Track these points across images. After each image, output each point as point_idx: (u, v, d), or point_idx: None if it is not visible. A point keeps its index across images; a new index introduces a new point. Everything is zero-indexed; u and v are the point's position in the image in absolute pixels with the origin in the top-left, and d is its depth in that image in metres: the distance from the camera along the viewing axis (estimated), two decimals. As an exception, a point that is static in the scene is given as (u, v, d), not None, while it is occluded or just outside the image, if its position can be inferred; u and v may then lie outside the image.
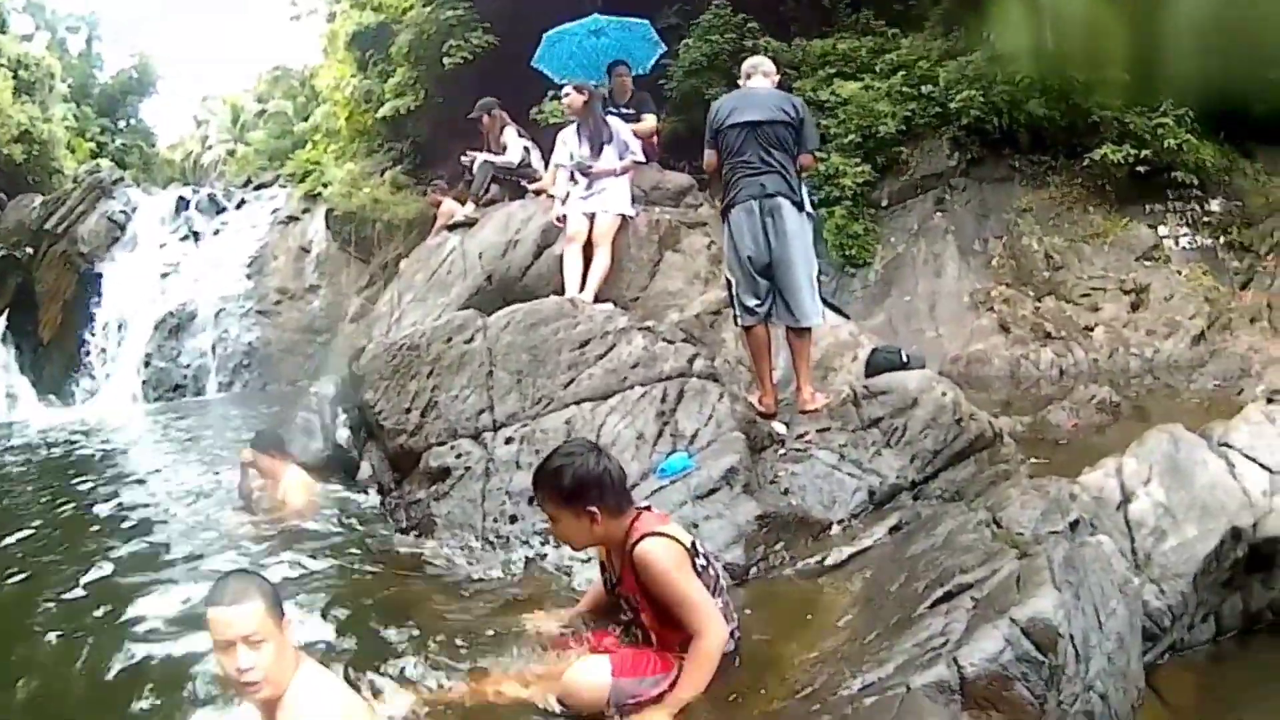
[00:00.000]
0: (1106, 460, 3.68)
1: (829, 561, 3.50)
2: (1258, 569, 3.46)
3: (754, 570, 3.43)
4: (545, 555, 3.59)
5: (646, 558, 2.31)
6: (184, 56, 69.51)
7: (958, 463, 4.13)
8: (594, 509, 2.42)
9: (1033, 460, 4.98)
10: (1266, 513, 3.46)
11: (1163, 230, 9.79)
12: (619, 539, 2.46)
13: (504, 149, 6.95)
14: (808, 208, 4.60)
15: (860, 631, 2.77)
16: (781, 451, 4.15)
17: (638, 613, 2.44)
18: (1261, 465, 3.78)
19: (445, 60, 12.48)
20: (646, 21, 8.46)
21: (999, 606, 2.42)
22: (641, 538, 2.35)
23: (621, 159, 5.76)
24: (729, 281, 4.72)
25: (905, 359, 5.12)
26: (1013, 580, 2.55)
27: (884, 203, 10.47)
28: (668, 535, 2.38)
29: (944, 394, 4.26)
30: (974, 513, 3.32)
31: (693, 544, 2.46)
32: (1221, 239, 9.76)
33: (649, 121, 6.92)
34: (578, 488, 2.43)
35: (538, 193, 6.41)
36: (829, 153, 10.19)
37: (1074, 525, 3.06)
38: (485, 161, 6.90)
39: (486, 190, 6.95)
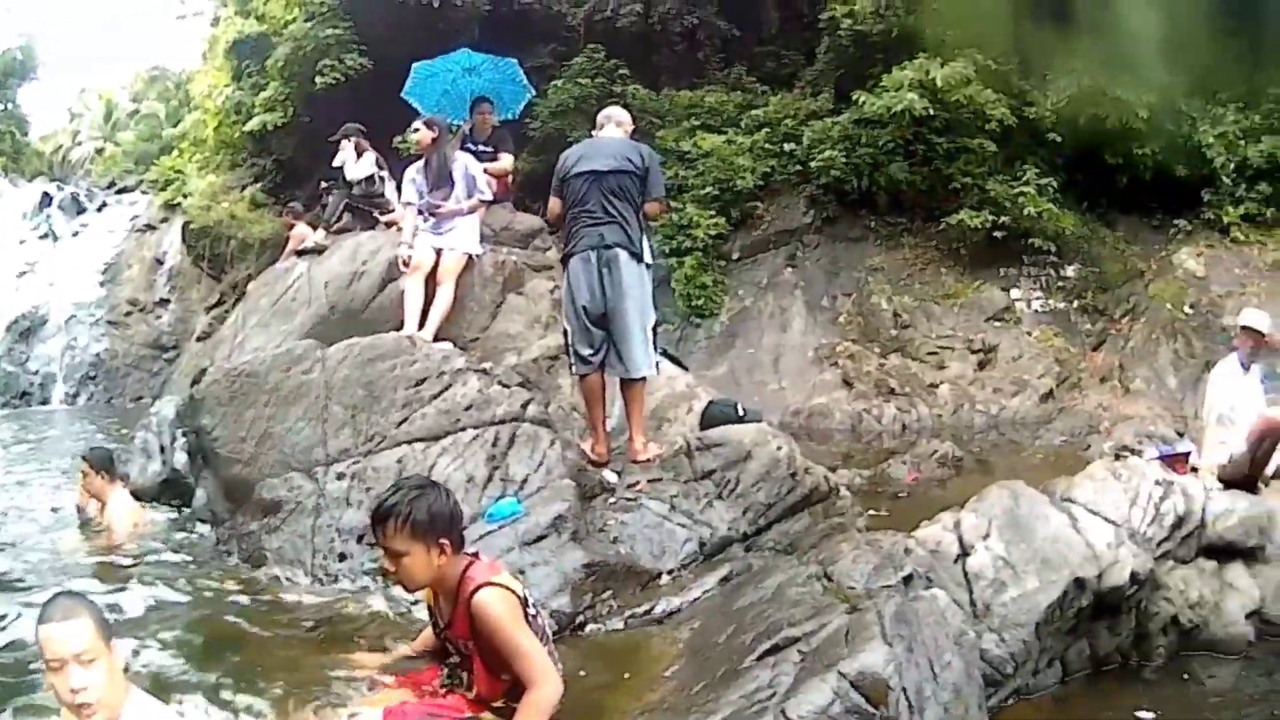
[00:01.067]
0: (944, 514, 4.24)
1: (657, 611, 3.90)
2: (1103, 616, 4.07)
3: (582, 619, 3.79)
4: (373, 593, 3.93)
5: (484, 608, 2.52)
6: (71, 43, 68.21)
7: (792, 515, 4.65)
8: (444, 543, 2.64)
9: (871, 513, 5.67)
10: (1111, 564, 4.01)
11: (1015, 293, 11.50)
12: (453, 582, 2.68)
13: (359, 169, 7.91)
14: (647, 259, 5.16)
15: (688, 683, 3.08)
16: (612, 500, 4.57)
17: (466, 658, 2.66)
18: (1106, 519, 4.36)
19: (318, 79, 13.60)
20: (515, 62, 9.53)
21: (827, 660, 2.76)
22: (479, 587, 2.56)
23: (470, 197, 6.35)
24: (565, 330, 5.27)
25: (741, 412, 5.74)
26: (841, 634, 2.91)
27: (735, 255, 12.00)
28: (503, 585, 2.61)
29: (779, 448, 4.80)
30: (805, 566, 3.75)
31: (524, 594, 2.73)
32: (1075, 303, 11.55)
33: (506, 161, 7.88)
34: (432, 520, 2.63)
35: (389, 224, 7.14)
36: (684, 203, 11.68)
37: (907, 579, 3.50)
38: (339, 191, 7.83)
39: (339, 218, 7.83)
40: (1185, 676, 4.37)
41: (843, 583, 3.52)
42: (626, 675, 3.28)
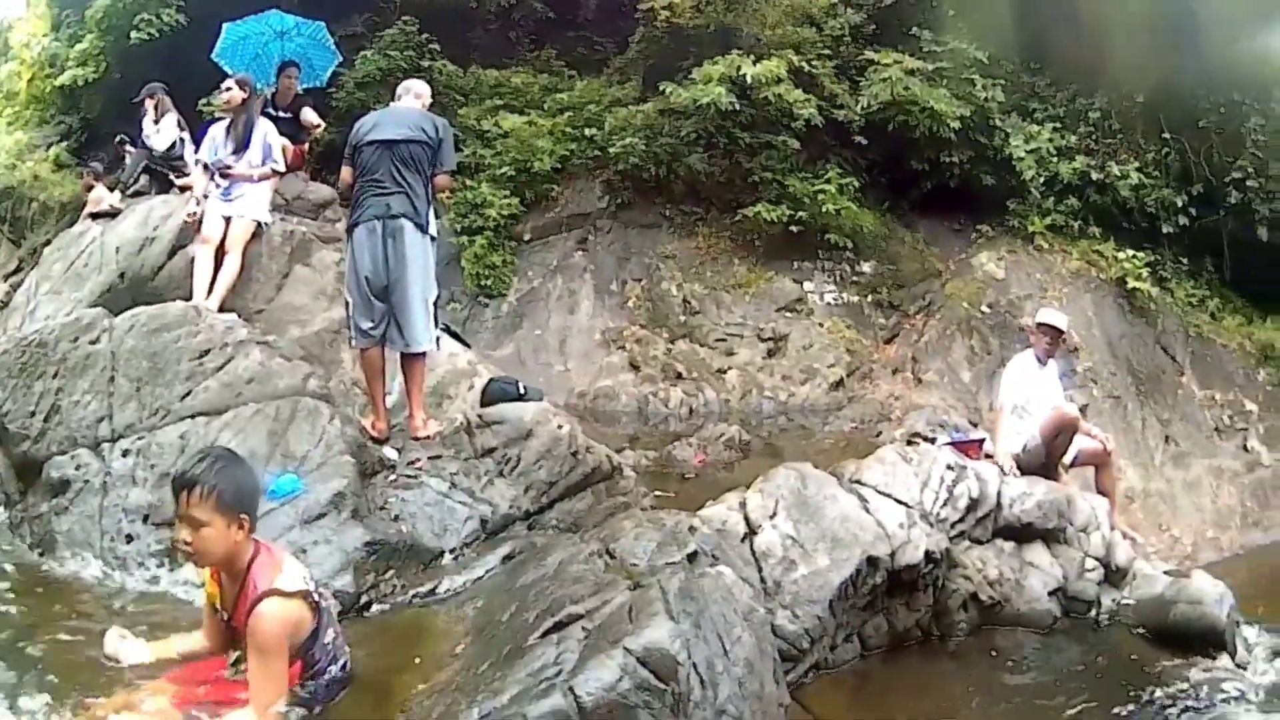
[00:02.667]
0: (729, 494, 5.37)
1: (441, 590, 4.75)
2: (899, 593, 5.23)
3: (366, 599, 4.61)
4: (160, 579, 4.63)
5: (260, 622, 3.11)
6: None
7: (574, 494, 5.79)
8: (244, 518, 3.20)
9: (658, 493, 7.07)
10: (904, 543, 5.17)
11: (809, 285, 14.82)
12: (241, 566, 3.25)
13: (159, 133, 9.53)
14: (432, 231, 6.41)
15: (474, 661, 3.70)
16: (392, 478, 5.54)
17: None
18: (897, 500, 5.59)
19: (133, 34, 15.86)
20: (323, 25, 11.75)
21: (612, 637, 3.43)
22: (265, 595, 3.13)
23: (263, 164, 8.00)
24: (347, 302, 6.49)
25: (522, 390, 7.08)
26: (625, 611, 3.61)
27: (526, 237, 14.83)
28: (287, 594, 3.20)
29: (560, 426, 5.93)
30: (587, 544, 4.54)
31: (307, 584, 3.34)
32: (870, 297, 15.02)
33: (312, 115, 9.93)
34: (237, 493, 3.17)
35: (183, 189, 8.71)
36: (480, 182, 14.66)
37: (692, 557, 4.23)
38: (139, 150, 9.67)
39: (136, 180, 9.52)
40: (994, 653, 5.67)
41: (625, 560, 4.27)
42: (413, 656, 4.01)
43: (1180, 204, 17.07)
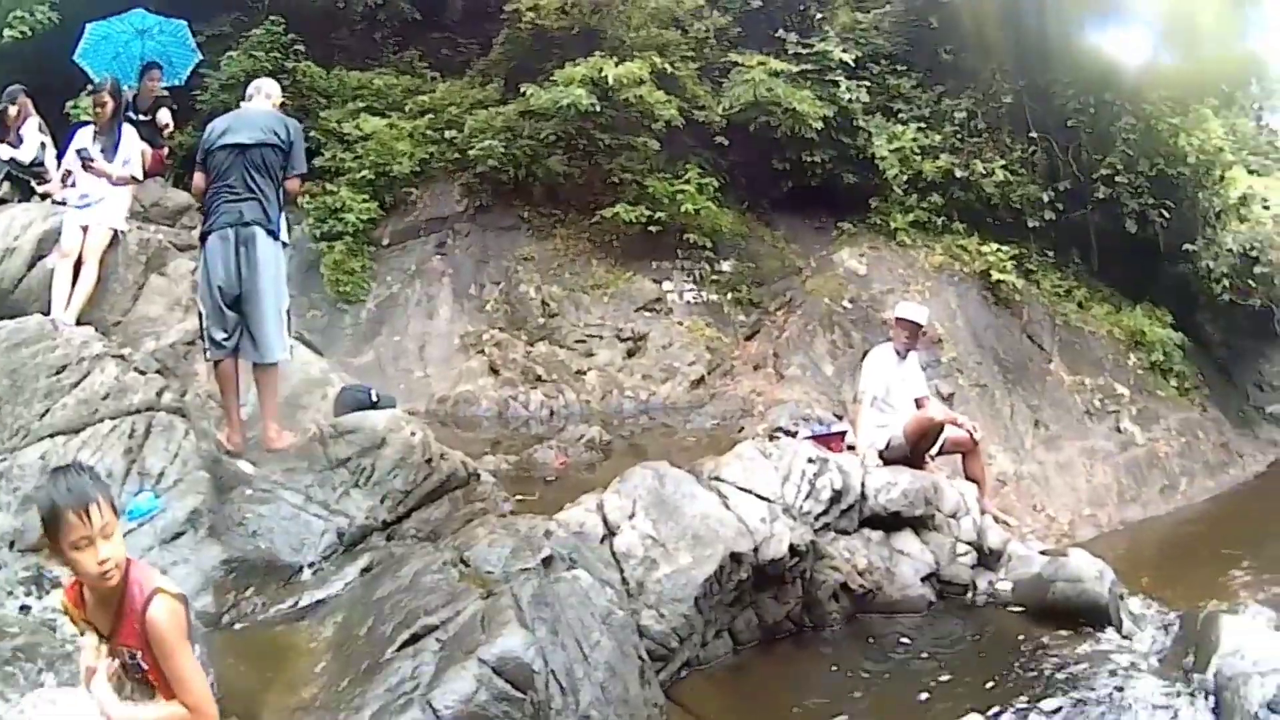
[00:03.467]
0: (586, 496, 5.87)
1: (301, 606, 5.00)
2: (767, 587, 5.81)
3: (227, 618, 4.83)
4: (30, 609, 4.68)
5: (160, 624, 3.18)
6: None
7: (431, 502, 6.11)
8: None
9: (520, 498, 7.52)
10: (767, 538, 5.72)
11: (668, 285, 16.16)
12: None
13: (21, 142, 10.00)
14: (284, 237, 6.76)
15: (335, 678, 4.01)
16: (249, 492, 5.74)
17: (144, 671, 3.24)
18: (758, 496, 6.13)
19: (5, 31, 16.11)
20: (185, 24, 12.12)
21: (466, 647, 3.74)
22: (155, 593, 3.22)
23: (123, 167, 8.44)
24: (200, 313, 6.77)
25: (375, 398, 7.40)
26: (477, 620, 3.95)
27: (385, 241, 16.05)
28: (173, 593, 3.28)
29: (413, 434, 6.22)
30: (441, 552, 4.90)
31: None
32: (730, 295, 16.67)
33: (166, 115, 10.59)
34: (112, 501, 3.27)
35: (44, 196, 9.25)
36: (339, 186, 15.81)
37: (547, 561, 4.63)
38: None
39: None
40: (871, 640, 6.23)
41: (480, 567, 4.54)
42: (276, 674, 4.20)
43: (1047, 199, 19.26)
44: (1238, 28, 21.11)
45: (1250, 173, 25.20)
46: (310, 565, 5.48)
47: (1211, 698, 5.82)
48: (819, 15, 19.70)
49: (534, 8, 17.28)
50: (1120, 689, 5.94)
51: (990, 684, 5.90)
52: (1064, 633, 6.77)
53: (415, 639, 4.11)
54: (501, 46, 18.63)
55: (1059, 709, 5.68)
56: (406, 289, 15.73)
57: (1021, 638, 6.70)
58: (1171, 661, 6.72)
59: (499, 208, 16.76)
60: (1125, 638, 7.07)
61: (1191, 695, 5.92)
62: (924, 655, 6.22)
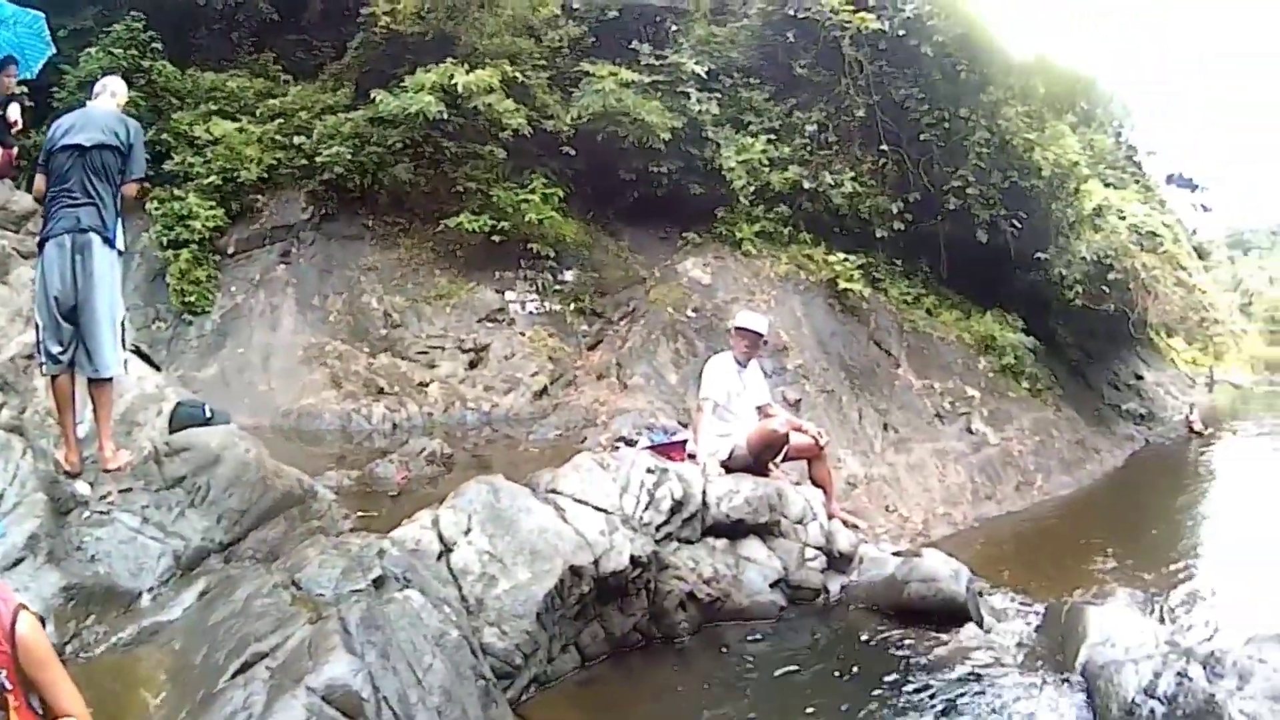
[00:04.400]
0: (422, 512, 5.93)
1: (141, 634, 4.98)
2: (610, 599, 5.95)
3: (70, 649, 4.78)
4: None
5: (31, 637, 3.28)
6: None
7: (268, 521, 6.07)
8: None
9: (361, 514, 7.74)
10: (607, 550, 5.88)
11: (510, 295, 16.88)
12: None
13: None
14: (119, 245, 6.65)
15: (174, 710, 4.05)
16: (86, 515, 5.70)
17: (5, 692, 3.29)
18: (596, 508, 6.28)
19: None
20: (42, 16, 11.64)
21: (294, 675, 3.76)
22: (19, 609, 3.33)
23: None
24: (36, 325, 6.58)
25: (208, 414, 7.32)
26: (305, 647, 3.97)
27: (231, 250, 16.21)
28: (32, 611, 3.43)
29: (247, 450, 6.23)
30: (272, 575, 4.95)
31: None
32: (572, 305, 17.45)
33: (15, 111, 10.32)
34: None
35: None
36: (187, 193, 15.84)
37: (379, 582, 4.72)
38: None
39: None
40: (723, 649, 6.37)
41: (310, 590, 4.60)
42: (119, 709, 4.20)
43: (896, 210, 20.53)
44: (1096, 49, 22.52)
45: (1106, 185, 26.86)
46: (149, 590, 5.48)
47: (1082, 688, 6.10)
48: (674, 28, 20.58)
49: (390, 12, 17.67)
50: (984, 684, 6.17)
51: (849, 686, 6.14)
52: (922, 632, 7.00)
53: (246, 667, 4.17)
54: (355, 50, 18.98)
55: (921, 707, 5.91)
56: (251, 299, 15.84)
57: (878, 639, 6.92)
58: (1037, 654, 6.98)
59: (344, 216, 17.07)
60: (987, 633, 7.31)
61: (1061, 686, 6.21)
62: (778, 661, 6.39)
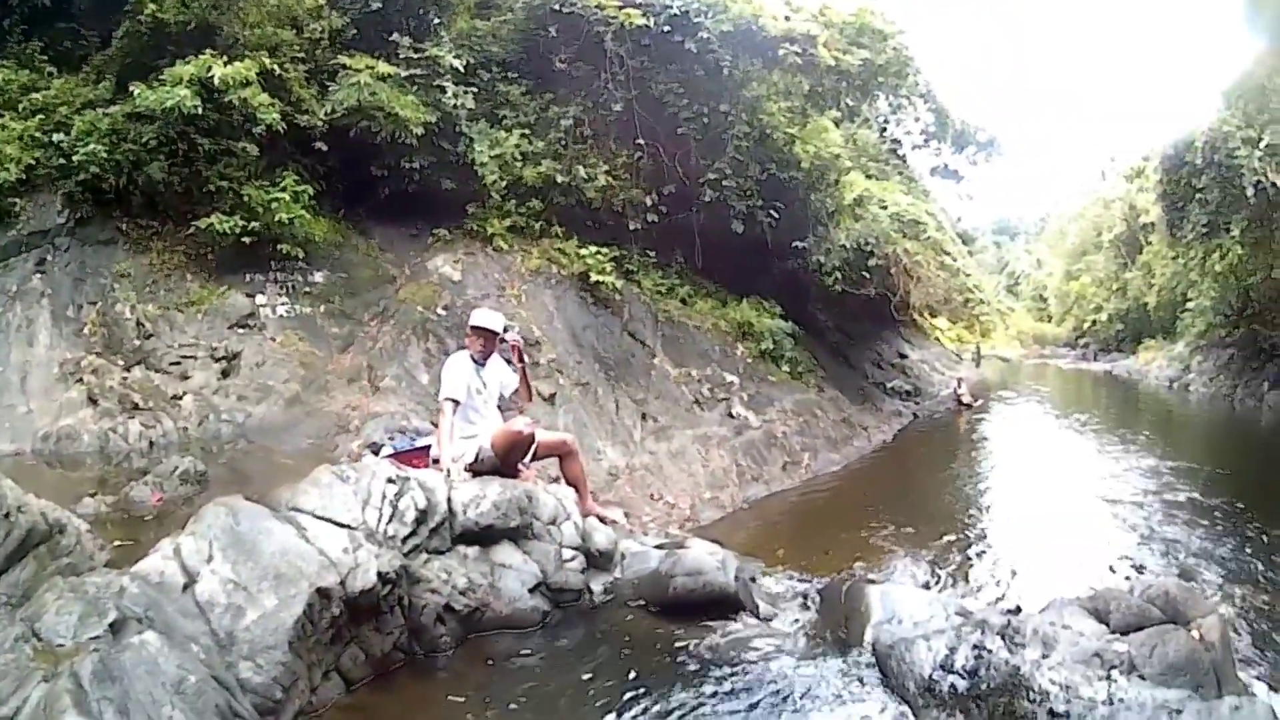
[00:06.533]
0: (164, 542, 5.92)
1: None
2: (364, 620, 6.08)
3: None
4: None
5: None
6: None
7: (17, 563, 5.89)
8: None
9: (119, 543, 7.76)
10: (353, 568, 6.00)
11: (261, 299, 17.42)
12: None
13: None
14: None
15: None
16: None
17: None
18: (338, 524, 6.40)
19: None
20: None
21: None
22: None
23: None
24: None
25: None
26: (41, 709, 4.01)
27: None
28: None
29: None
30: (12, 626, 4.88)
31: None
32: (323, 307, 18.01)
33: None
34: None
35: None
36: None
37: (116, 625, 4.72)
38: None
39: None
40: (489, 660, 6.65)
41: (52, 640, 4.59)
42: None
43: (650, 203, 23.01)
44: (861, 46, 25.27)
45: (869, 177, 30.37)
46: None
47: (873, 667, 6.37)
48: (437, 20, 21.78)
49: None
50: (767, 673, 6.38)
51: (620, 689, 6.30)
52: (694, 626, 7.27)
53: (-8, 735, 3.91)
54: (119, 41, 18.72)
55: (701, 704, 6.04)
56: (8, 313, 15.52)
57: (648, 637, 7.13)
58: (821, 637, 7.26)
59: (99, 219, 16.95)
60: (764, 620, 7.63)
61: (851, 668, 6.48)
62: (546, 668, 6.61)
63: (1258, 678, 8.19)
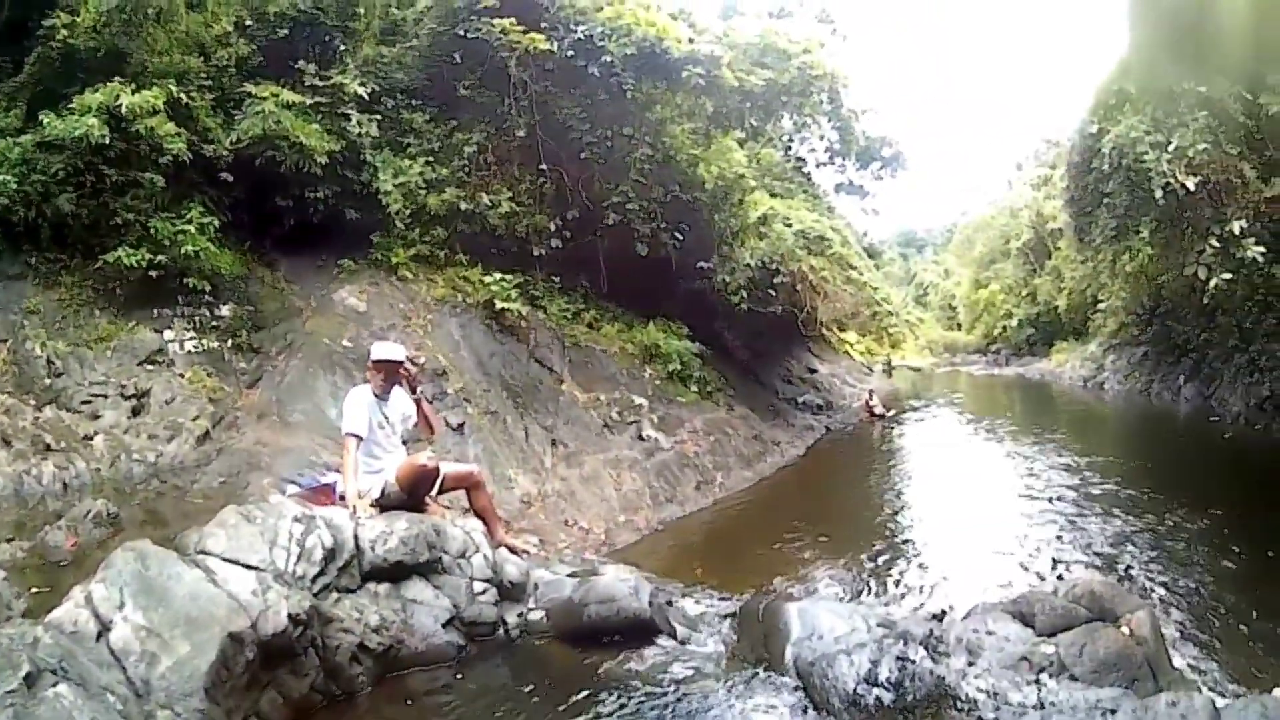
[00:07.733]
0: (76, 589, 6.03)
1: None
2: (279, 663, 6.18)
3: None
4: None
5: None
6: None
7: None
8: None
9: (35, 591, 7.95)
10: (263, 610, 6.09)
11: (169, 334, 17.38)
12: None
13: None
14: None
15: None
16: None
17: None
18: (246, 565, 6.55)
19: None
20: None
21: None
22: None
23: None
24: None
25: None
26: None
27: None
28: None
29: None
30: None
31: None
32: (230, 342, 18.19)
33: None
34: None
35: None
36: None
37: (30, 678, 4.80)
38: None
39: None
40: (408, 700, 6.84)
41: None
42: None
43: (554, 228, 23.90)
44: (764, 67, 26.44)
45: (773, 196, 31.68)
46: None
47: (796, 686, 6.52)
48: (342, 47, 22.83)
49: (69, 25, 18.19)
50: (688, 698, 6.54)
51: None
52: (612, 654, 7.46)
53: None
54: (30, 67, 18.78)
55: None
56: None
57: (565, 668, 7.35)
58: (740, 658, 7.41)
59: (9, 254, 16.98)
60: (682, 644, 7.81)
61: (772, 687, 6.62)
62: (464, 705, 6.76)
63: (1190, 666, 8.82)
